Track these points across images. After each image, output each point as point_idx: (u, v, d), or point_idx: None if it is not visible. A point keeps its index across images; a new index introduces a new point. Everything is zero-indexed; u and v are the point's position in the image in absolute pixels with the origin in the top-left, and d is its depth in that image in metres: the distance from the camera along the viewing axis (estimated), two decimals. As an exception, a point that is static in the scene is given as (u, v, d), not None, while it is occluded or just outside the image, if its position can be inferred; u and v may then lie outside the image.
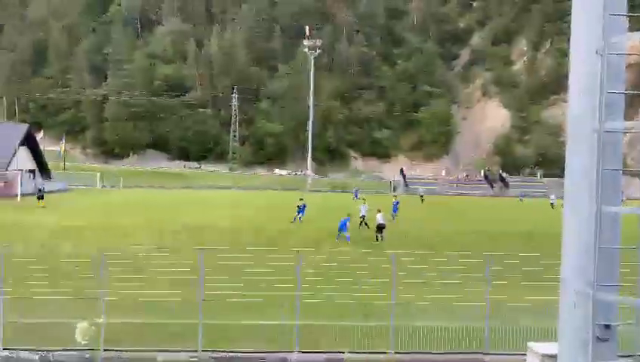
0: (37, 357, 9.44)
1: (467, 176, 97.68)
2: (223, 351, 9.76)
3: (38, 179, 61.54)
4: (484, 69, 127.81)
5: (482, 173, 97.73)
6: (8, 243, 11.17)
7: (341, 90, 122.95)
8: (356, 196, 53.40)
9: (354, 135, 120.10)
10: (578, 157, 2.09)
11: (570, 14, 2.29)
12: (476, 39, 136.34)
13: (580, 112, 2.12)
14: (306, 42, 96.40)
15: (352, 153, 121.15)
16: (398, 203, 36.08)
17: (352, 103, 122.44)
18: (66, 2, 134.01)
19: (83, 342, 6.16)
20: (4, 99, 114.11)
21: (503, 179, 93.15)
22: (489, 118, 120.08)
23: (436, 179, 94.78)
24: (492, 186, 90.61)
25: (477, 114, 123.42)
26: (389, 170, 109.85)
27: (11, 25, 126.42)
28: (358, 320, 11.20)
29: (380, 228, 26.38)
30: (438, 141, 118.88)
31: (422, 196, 62.07)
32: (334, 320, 11.15)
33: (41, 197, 41.76)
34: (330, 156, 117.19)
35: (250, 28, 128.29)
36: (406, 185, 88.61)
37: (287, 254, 15.69)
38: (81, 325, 6.17)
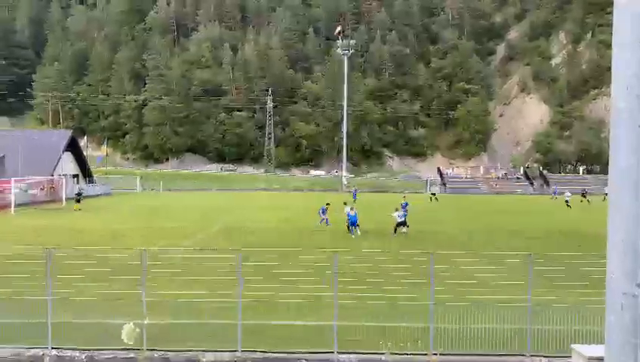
0: (84, 356, 9.73)
1: (506, 173, 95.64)
2: (262, 352, 9.84)
3: (82, 183, 63.59)
4: (522, 64, 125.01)
5: (522, 171, 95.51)
6: (55, 245, 11.59)
7: (375, 89, 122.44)
8: (354, 197, 52.16)
9: (389, 134, 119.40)
10: (622, 154, 2.00)
11: (612, 4, 2.21)
12: (513, 34, 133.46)
13: (624, 107, 2.04)
14: (339, 43, 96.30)
15: (388, 153, 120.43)
16: (407, 204, 32.44)
17: (387, 103, 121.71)
18: (106, 12, 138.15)
19: (130, 343, 6.34)
20: (50, 107, 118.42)
21: (543, 176, 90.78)
22: (527, 114, 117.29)
23: (474, 178, 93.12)
24: (532, 184, 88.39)
25: (515, 110, 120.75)
26: (426, 169, 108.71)
27: (55, 36, 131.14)
28: (396, 321, 11.11)
29: (400, 224, 27.21)
30: (476, 139, 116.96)
31: (434, 194, 59.19)
32: (373, 321, 11.10)
33: (78, 201, 43.10)
34: (365, 156, 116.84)
35: (284, 30, 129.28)
36: (443, 184, 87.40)
37: (323, 255, 15.72)
38: (127, 326, 6.35)
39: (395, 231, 27.15)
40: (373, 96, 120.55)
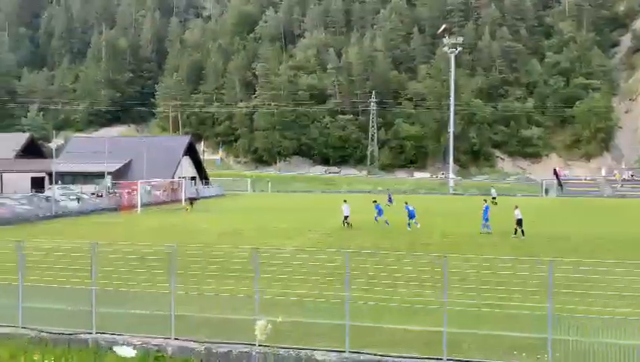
0: (203, 348, 10.34)
1: (632, 175, 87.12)
2: (370, 354, 9.83)
3: (199, 185, 67.88)
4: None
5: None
6: (176, 243, 12.49)
7: (485, 88, 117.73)
8: (390, 200, 47.81)
9: (500, 134, 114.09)
10: None
11: None
12: (639, 23, 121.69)
13: None
14: (445, 41, 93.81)
15: (498, 153, 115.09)
16: (488, 208, 29.89)
17: (497, 101, 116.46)
18: (219, 24, 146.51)
19: (262, 339, 6.64)
20: (170, 114, 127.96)
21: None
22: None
23: (595, 180, 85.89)
24: (664, 186, 79.65)
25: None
26: (540, 171, 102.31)
27: (174, 49, 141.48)
28: (509, 330, 10.57)
29: (520, 222, 26.76)
30: (597, 137, 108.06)
31: (494, 198, 52.60)
32: (483, 329, 10.65)
33: (191, 203, 45.24)
34: (473, 157, 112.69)
35: (389, 32, 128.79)
36: (560, 186, 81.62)
37: (429, 258, 15.37)
38: (260, 322, 6.65)
39: (515, 232, 26.72)
40: (482, 95, 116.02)
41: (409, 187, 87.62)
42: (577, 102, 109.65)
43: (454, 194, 78.81)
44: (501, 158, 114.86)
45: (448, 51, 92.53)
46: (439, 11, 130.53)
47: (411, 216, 30.03)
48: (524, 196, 72.68)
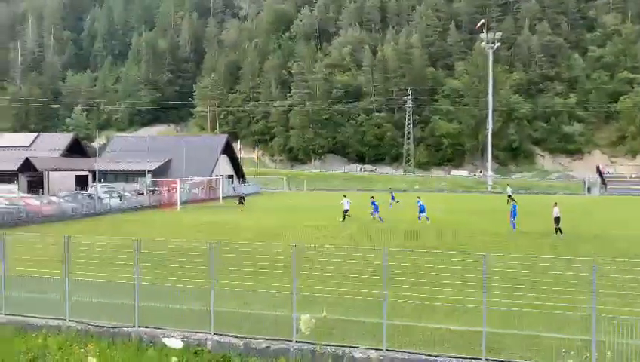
0: (241, 343, 10.51)
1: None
2: (409, 352, 9.79)
3: (236, 183, 68.76)
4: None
5: None
6: (215, 240, 12.74)
7: (524, 83, 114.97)
8: (393, 198, 46.38)
9: (540, 131, 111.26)
10: None
11: None
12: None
13: None
14: (483, 36, 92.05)
15: (538, 151, 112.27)
16: (516, 207, 30.35)
17: (537, 97, 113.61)
18: (256, 24, 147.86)
19: (306, 333, 6.75)
20: (208, 114, 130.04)
21: None
22: None
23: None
24: None
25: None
26: (582, 169, 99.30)
27: (211, 49, 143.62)
28: (550, 331, 10.34)
29: (557, 220, 26.53)
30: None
31: (510, 196, 50.35)
32: (524, 329, 10.45)
33: (241, 203, 45.13)
34: (512, 155, 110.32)
35: (425, 28, 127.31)
36: (604, 184, 79.02)
37: (468, 257, 15.17)
38: (304, 317, 6.75)
39: (556, 231, 26.27)
40: (521, 91, 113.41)
41: (446, 185, 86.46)
42: (622, 98, 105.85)
43: (493, 192, 77.34)
44: (541, 156, 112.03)
45: (486, 47, 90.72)
46: (477, 6, 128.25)
47: (422, 210, 32.35)
48: (566, 194, 70.77)
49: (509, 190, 54.22)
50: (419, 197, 34.82)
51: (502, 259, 17.35)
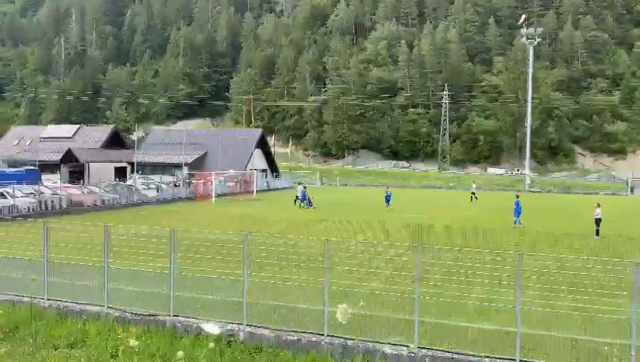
0: (273, 335, 10.61)
1: None
2: (440, 350, 9.71)
3: (269, 177, 69.27)
4: None
5: None
6: (249, 232, 12.89)
7: (565, 80, 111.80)
8: (388, 199, 42.12)
9: (581, 129, 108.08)
10: None
11: None
12: None
13: None
14: (523, 31, 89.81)
15: (579, 149, 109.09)
16: (519, 203, 30.04)
17: (579, 94, 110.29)
18: (292, 19, 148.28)
19: (343, 322, 6.84)
20: (243, 108, 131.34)
21: None
22: None
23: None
24: None
25: None
26: (625, 168, 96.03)
27: (248, 44, 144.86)
28: (587, 334, 10.07)
29: (598, 222, 25.87)
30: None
31: (473, 193, 50.03)
32: (560, 331, 10.21)
33: (302, 202, 40.62)
34: (551, 153, 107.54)
35: (463, 22, 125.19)
36: (647, 185, 76.23)
37: (506, 257, 14.89)
38: (341, 307, 6.85)
39: (597, 233, 25.46)
40: (562, 88, 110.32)
41: (482, 183, 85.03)
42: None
43: (531, 191, 75.60)
44: (582, 154, 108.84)
45: (527, 42, 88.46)
46: (517, 0, 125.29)
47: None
48: (607, 195, 68.59)
49: (473, 186, 53.73)
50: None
51: (537, 258, 16.98)
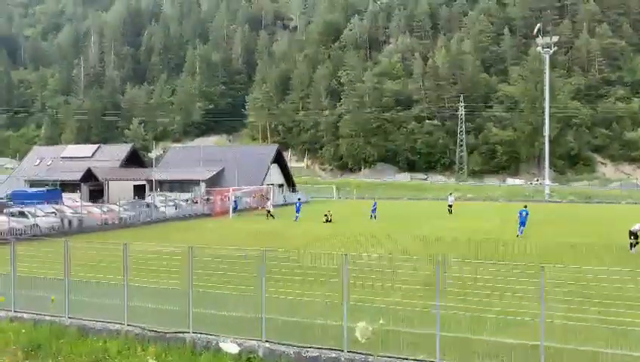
0: (292, 351, 10.53)
1: None
2: (461, 366, 9.54)
3: (286, 192, 69.41)
4: None
5: None
6: (267, 248, 12.87)
7: (583, 88, 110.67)
8: (374, 211, 42.52)
9: (600, 138, 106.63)
10: None
11: None
12: None
13: None
14: (539, 41, 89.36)
15: (599, 158, 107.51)
16: (527, 213, 30.26)
17: (597, 102, 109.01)
18: (306, 35, 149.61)
19: (362, 341, 6.72)
20: (259, 124, 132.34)
21: None
22: None
23: None
24: None
25: None
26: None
27: (263, 60, 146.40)
28: (614, 347, 9.81)
29: (634, 235, 24.19)
30: None
31: (450, 206, 47.47)
32: (585, 345, 9.96)
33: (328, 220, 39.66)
34: (571, 162, 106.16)
35: (478, 33, 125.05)
36: (672, 193, 74.70)
37: (526, 268, 14.64)
38: (361, 324, 6.74)
39: (631, 247, 23.90)
40: (580, 96, 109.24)
41: (501, 194, 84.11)
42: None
43: (550, 201, 74.57)
44: (602, 163, 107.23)
45: (542, 51, 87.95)
46: (531, 10, 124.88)
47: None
48: (629, 203, 67.37)
49: (450, 199, 49.28)
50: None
51: (560, 270, 16.65)
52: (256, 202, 56.47)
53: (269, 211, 44.06)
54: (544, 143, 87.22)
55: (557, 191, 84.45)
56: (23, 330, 12.11)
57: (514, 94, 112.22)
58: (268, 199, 48.42)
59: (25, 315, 13.10)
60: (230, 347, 10.70)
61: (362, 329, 6.56)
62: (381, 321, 8.07)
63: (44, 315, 12.77)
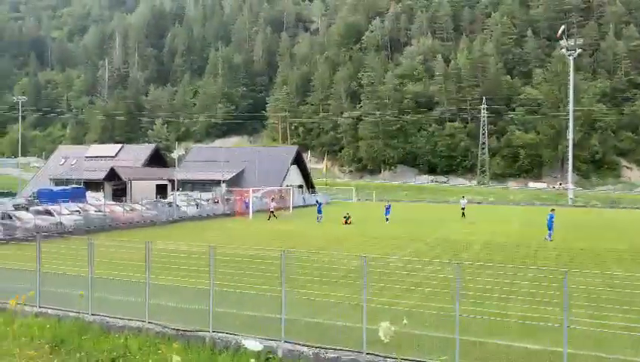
0: (311, 352, 10.54)
1: None
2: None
3: (305, 193, 69.48)
4: None
5: None
6: (287, 248, 12.92)
7: (608, 91, 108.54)
8: (388, 213, 41.54)
9: (626, 141, 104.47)
10: None
11: None
12: None
13: None
14: (563, 43, 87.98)
15: (624, 162, 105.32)
16: (552, 216, 29.18)
17: (623, 105, 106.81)
18: (327, 37, 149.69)
19: (386, 341, 6.69)
20: (279, 125, 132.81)
21: None
22: None
23: None
24: None
25: None
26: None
27: (284, 62, 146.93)
28: (633, 355, 9.61)
29: None
30: None
31: (463, 209, 45.87)
32: (608, 352, 9.79)
33: (347, 221, 39.92)
34: (595, 166, 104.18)
35: (500, 35, 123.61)
36: (700, 199, 72.80)
37: (548, 273, 14.44)
38: (384, 324, 6.71)
39: None
40: (605, 99, 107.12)
41: (523, 198, 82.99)
42: None
43: (574, 206, 73.31)
44: (628, 167, 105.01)
45: (566, 53, 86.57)
46: (556, 11, 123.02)
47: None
48: (657, 209, 65.83)
49: (463, 202, 47.99)
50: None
51: (584, 275, 16.37)
52: (277, 202, 56.61)
53: (272, 212, 44.07)
54: (567, 147, 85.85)
55: (581, 196, 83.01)
56: (48, 325, 12.34)
57: (537, 97, 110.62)
58: (273, 200, 47.50)
59: (49, 311, 13.36)
60: (251, 344, 10.75)
61: (385, 328, 6.52)
62: (405, 321, 8.02)
63: (68, 311, 13.00)
